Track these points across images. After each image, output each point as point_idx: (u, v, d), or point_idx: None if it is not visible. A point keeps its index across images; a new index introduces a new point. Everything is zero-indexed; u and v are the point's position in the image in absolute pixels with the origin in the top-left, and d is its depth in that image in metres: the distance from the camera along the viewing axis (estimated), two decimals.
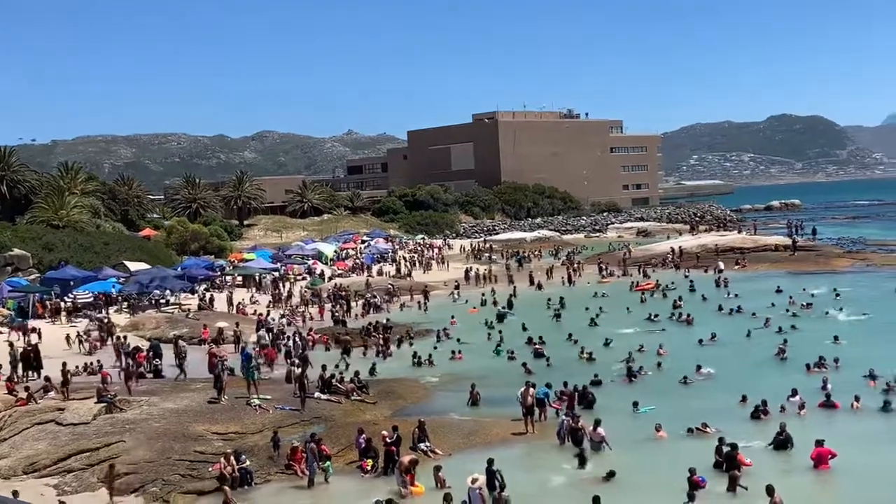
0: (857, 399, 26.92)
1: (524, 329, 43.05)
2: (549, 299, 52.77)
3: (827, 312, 44.54)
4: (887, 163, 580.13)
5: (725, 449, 21.72)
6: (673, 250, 72.77)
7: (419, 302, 54.72)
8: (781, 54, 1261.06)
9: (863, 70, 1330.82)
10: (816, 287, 51.99)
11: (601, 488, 20.47)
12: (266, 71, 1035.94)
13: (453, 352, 38.82)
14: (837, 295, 48.55)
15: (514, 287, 58.45)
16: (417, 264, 75.74)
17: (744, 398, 27.51)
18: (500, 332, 42.65)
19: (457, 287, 59.97)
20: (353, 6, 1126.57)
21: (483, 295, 56.06)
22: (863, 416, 26.26)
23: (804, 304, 46.57)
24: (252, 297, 57.35)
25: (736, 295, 50.95)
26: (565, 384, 29.02)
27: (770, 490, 18.63)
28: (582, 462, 22.53)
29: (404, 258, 79.42)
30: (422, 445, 24.16)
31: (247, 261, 71.08)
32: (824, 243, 79.94)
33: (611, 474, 21.42)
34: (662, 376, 32.89)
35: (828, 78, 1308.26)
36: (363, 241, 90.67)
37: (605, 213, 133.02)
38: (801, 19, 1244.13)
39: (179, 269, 62.31)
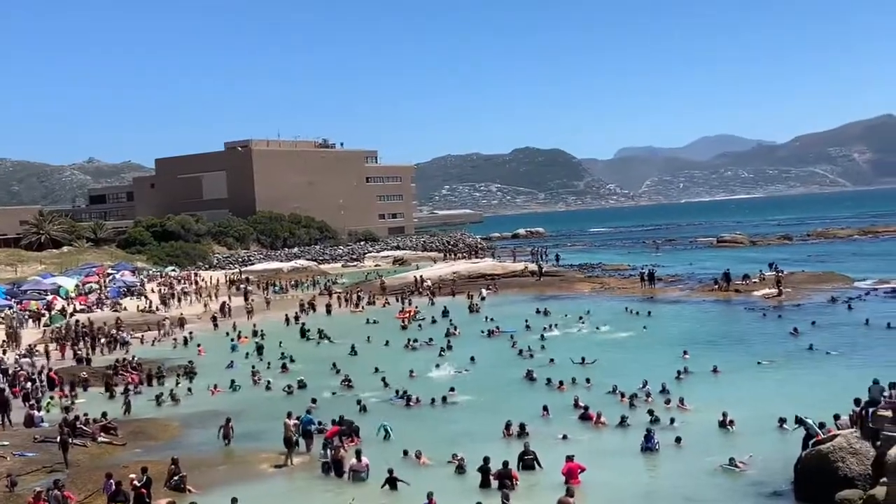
0: (599, 415, 28.45)
1: (293, 361, 42.67)
2: (308, 330, 52.23)
3: (582, 329, 47.64)
4: (620, 193, 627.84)
5: (497, 467, 22.21)
6: (416, 279, 74.25)
7: (184, 336, 52.42)
8: (523, 91, 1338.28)
9: (596, 107, 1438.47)
10: (563, 310, 54.91)
11: None
12: None
13: (213, 386, 37.43)
14: (580, 318, 51.31)
15: (298, 315, 58.38)
16: (168, 298, 72.57)
17: (508, 425, 27.47)
18: (253, 366, 41.41)
19: (214, 319, 58.15)
20: (91, 20, 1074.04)
21: (255, 325, 54.57)
22: (606, 431, 27.64)
23: (549, 325, 49.13)
24: None
25: (492, 319, 52.76)
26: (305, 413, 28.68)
27: (570, 492, 19.27)
28: (393, 485, 22.37)
29: (153, 291, 76.11)
30: (174, 478, 23.07)
31: None
32: (567, 269, 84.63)
33: None
34: (423, 399, 33.22)
35: (566, 114, 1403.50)
36: (108, 275, 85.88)
37: (362, 242, 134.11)
38: (539, 61, 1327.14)
39: None
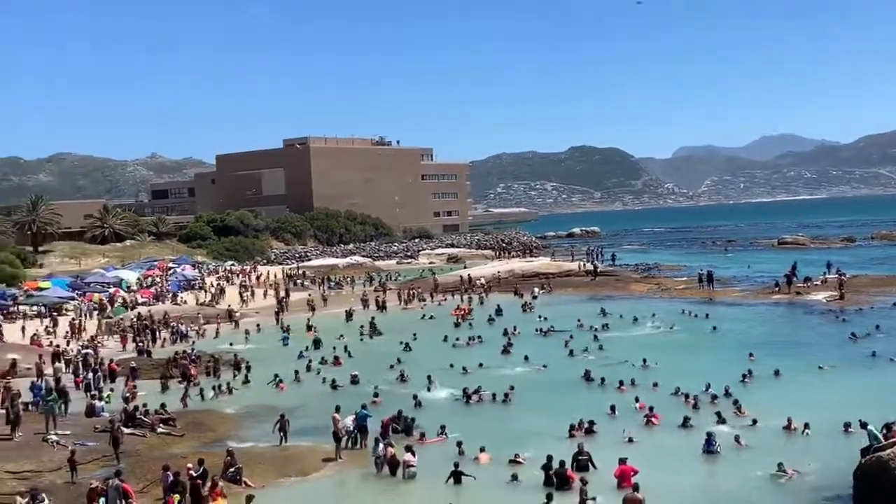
0: (654, 415, 28.26)
1: (350, 356, 43.12)
2: (362, 326, 52.29)
3: (652, 331, 47.47)
4: (678, 192, 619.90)
5: (555, 466, 22.29)
6: (462, 278, 73.76)
7: (246, 330, 53.03)
8: (580, 89, 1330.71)
9: (654, 106, 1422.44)
10: (620, 310, 54.30)
11: None
12: (63, 89, 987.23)
13: (279, 381, 37.45)
14: (635, 318, 50.90)
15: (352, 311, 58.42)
16: (219, 294, 73.01)
17: (574, 423, 27.45)
18: (309, 361, 41.74)
19: (277, 313, 58.70)
20: (154, 20, 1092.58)
21: (308, 321, 54.66)
22: (667, 432, 27.22)
23: (602, 325, 48.94)
24: (47, 328, 54.04)
25: (545, 318, 52.47)
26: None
27: (636, 487, 19.58)
28: (457, 479, 22.55)
29: (212, 285, 77.11)
30: (230, 470, 23.34)
31: (42, 289, 66.89)
32: (623, 269, 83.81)
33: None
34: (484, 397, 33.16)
35: (623, 112, 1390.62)
36: (169, 268, 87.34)
37: (416, 240, 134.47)
38: (597, 60, 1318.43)
39: None
